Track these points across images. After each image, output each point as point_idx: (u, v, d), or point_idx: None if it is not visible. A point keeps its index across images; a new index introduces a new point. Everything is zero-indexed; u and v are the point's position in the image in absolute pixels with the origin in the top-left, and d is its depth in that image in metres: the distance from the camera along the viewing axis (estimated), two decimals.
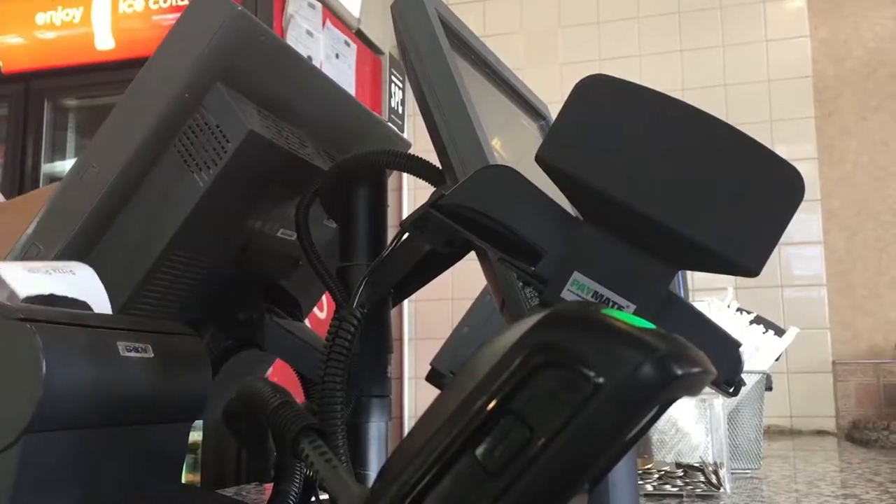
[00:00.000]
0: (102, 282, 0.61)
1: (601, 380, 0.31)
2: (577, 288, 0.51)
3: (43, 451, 0.46)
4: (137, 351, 0.53)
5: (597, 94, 0.49)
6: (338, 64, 2.73)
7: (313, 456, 0.42)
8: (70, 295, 0.55)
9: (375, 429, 0.82)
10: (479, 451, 0.33)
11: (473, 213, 0.53)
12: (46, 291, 0.53)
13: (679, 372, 0.32)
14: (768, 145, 0.47)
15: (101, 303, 0.59)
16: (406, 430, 2.05)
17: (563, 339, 0.33)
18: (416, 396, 2.93)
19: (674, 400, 0.34)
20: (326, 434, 0.45)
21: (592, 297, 0.51)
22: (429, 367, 0.97)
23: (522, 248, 0.53)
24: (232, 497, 0.71)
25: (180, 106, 0.74)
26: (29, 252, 0.71)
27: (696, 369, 0.33)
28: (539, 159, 0.50)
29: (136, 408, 0.53)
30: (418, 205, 0.59)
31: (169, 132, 0.74)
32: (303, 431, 0.44)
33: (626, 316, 0.33)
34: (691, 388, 0.34)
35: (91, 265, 0.62)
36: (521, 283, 0.57)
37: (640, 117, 0.48)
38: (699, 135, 0.48)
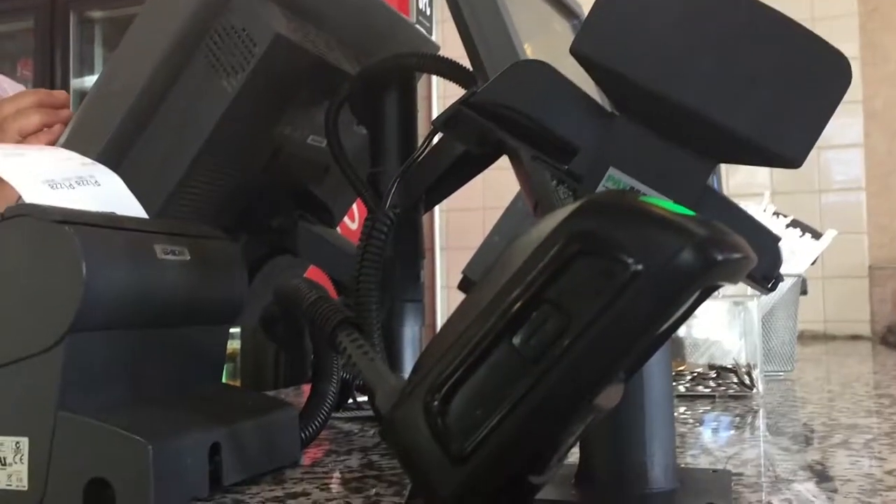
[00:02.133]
0: (135, 192, 0.61)
1: (639, 266, 0.31)
2: (613, 184, 0.50)
3: (86, 351, 0.47)
4: (174, 254, 0.53)
5: None
6: None
7: (351, 348, 0.43)
8: (96, 209, 0.55)
9: (410, 332, 0.83)
10: (516, 340, 0.33)
11: (506, 110, 0.52)
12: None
13: (719, 257, 0.31)
14: None
15: (130, 211, 0.59)
16: None
17: (600, 227, 0.32)
18: (449, 305, 2.96)
19: (714, 288, 0.34)
20: (363, 330, 0.46)
21: None
22: (460, 276, 0.97)
23: (556, 145, 0.52)
24: (272, 396, 0.73)
25: (206, 9, 0.72)
26: None
27: (736, 255, 0.32)
28: (574, 51, 0.49)
29: (175, 309, 0.54)
30: None
31: (195, 37, 0.73)
32: (340, 324, 0.45)
33: (665, 203, 0.33)
34: (731, 274, 0.33)
35: (123, 175, 0.62)
36: (554, 182, 0.57)
37: (678, 3, 0.47)
38: (739, 19, 0.46)
